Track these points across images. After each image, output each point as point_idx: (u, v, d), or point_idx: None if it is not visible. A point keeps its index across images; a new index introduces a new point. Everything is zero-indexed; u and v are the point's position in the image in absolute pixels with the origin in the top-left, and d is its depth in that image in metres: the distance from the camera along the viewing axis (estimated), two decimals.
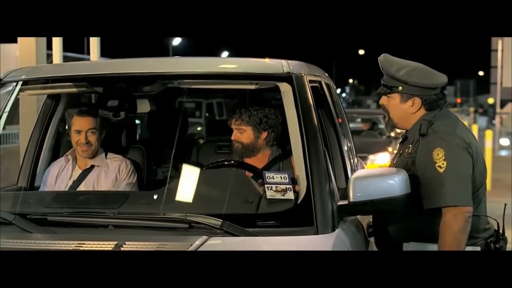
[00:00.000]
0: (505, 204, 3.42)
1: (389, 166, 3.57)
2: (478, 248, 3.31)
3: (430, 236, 3.23)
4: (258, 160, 3.75)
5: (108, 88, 3.58)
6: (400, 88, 3.39)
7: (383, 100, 3.46)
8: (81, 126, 3.78)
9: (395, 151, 3.76)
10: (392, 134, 12.79)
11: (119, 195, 3.38)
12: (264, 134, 3.76)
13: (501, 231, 3.41)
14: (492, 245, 3.33)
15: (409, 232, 3.31)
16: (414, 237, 3.30)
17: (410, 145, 3.38)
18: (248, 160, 3.76)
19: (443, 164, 3.19)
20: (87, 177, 3.84)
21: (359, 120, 14.78)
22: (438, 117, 3.36)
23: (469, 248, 3.23)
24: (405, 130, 3.50)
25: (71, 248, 2.62)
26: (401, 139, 3.53)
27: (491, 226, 3.41)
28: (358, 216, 3.37)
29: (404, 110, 3.42)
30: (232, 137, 3.79)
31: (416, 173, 3.26)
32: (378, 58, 3.48)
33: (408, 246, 3.29)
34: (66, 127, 3.98)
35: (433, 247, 3.21)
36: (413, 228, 3.30)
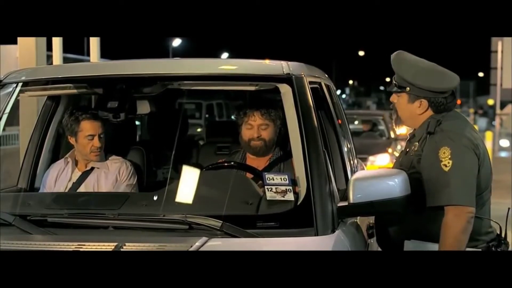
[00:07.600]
0: (509, 208, 3.40)
1: (395, 164, 3.57)
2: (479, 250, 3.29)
3: (432, 235, 3.22)
4: (260, 161, 3.74)
5: (108, 90, 3.57)
6: (408, 88, 3.37)
7: (393, 97, 3.46)
8: (94, 131, 3.77)
9: (395, 152, 3.75)
10: (392, 136, 12.78)
11: (119, 196, 3.37)
12: (277, 132, 3.75)
13: (503, 235, 3.40)
14: (493, 249, 3.31)
15: (411, 231, 3.30)
16: (415, 235, 3.29)
17: (417, 143, 3.36)
18: (250, 161, 3.75)
19: (448, 163, 3.18)
20: (87, 179, 3.83)
21: (356, 122, 14.73)
22: (446, 117, 3.34)
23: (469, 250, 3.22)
24: (412, 129, 3.49)
25: (71, 249, 2.62)
26: (408, 138, 3.51)
27: (494, 230, 3.39)
28: (358, 217, 3.37)
29: (411, 110, 3.40)
30: (253, 135, 3.73)
31: (421, 171, 3.26)
32: (391, 55, 3.44)
33: (409, 244, 3.29)
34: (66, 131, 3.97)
35: (434, 246, 3.20)
36: (415, 227, 3.29)
